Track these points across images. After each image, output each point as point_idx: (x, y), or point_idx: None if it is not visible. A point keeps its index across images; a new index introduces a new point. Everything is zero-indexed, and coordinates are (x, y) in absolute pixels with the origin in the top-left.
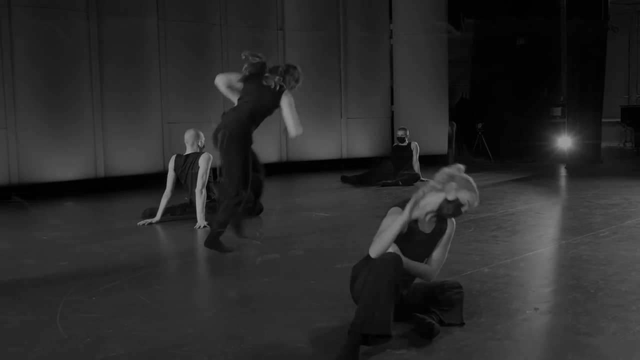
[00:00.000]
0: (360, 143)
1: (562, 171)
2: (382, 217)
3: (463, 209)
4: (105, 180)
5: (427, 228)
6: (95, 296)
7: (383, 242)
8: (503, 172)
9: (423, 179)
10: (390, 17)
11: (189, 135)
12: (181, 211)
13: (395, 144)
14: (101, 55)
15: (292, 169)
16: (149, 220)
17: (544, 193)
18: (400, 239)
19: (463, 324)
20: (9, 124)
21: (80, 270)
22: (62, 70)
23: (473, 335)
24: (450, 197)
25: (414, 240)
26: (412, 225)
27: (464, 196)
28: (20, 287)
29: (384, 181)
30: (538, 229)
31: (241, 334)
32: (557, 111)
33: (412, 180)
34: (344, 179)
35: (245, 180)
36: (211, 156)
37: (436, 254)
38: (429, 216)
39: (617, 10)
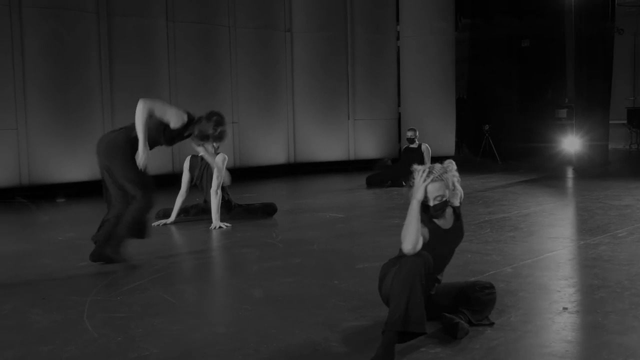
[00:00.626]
0: (367, 144)
1: (570, 173)
2: (397, 217)
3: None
4: None
5: (446, 224)
6: (120, 296)
7: (409, 231)
8: (511, 174)
9: None
10: (397, 19)
11: None
12: (195, 212)
13: (405, 145)
14: (111, 55)
15: (300, 170)
16: (163, 221)
17: (556, 194)
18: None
19: (493, 324)
20: (20, 124)
21: (100, 270)
22: (72, 70)
23: (504, 334)
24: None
25: (436, 238)
26: (432, 225)
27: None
28: (43, 287)
29: (405, 182)
30: (555, 230)
31: (272, 334)
32: (563, 113)
33: None
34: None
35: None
36: (226, 157)
37: None
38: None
39: (622, 12)
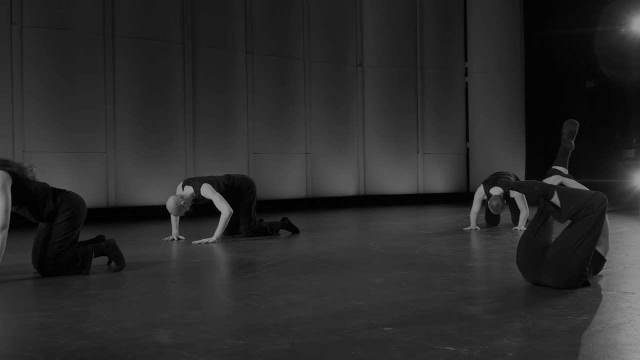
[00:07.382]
0: (436, 178)
1: None
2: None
3: None
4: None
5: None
6: (245, 280)
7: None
8: None
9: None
10: (466, 55)
11: None
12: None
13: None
14: (194, 83)
15: (369, 202)
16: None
17: None
18: None
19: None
20: (109, 147)
21: (214, 264)
22: (158, 97)
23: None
24: None
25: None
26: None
27: None
28: (166, 274)
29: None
30: None
31: (411, 306)
32: (630, 153)
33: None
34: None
35: None
36: None
37: None
38: None
39: None
